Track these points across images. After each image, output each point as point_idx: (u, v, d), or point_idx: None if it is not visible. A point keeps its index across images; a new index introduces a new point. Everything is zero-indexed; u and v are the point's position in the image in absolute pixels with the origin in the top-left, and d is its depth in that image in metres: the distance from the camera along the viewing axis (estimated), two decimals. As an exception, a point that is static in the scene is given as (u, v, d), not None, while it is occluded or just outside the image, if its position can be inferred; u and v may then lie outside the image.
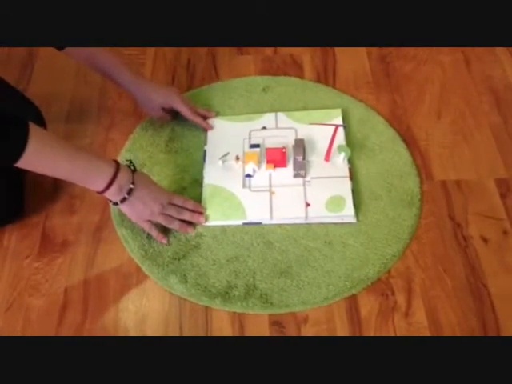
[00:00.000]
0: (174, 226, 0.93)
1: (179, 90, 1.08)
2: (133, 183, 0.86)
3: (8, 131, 0.74)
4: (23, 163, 0.76)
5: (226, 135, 1.06)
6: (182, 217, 0.93)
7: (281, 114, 1.09)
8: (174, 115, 1.08)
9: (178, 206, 0.93)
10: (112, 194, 0.85)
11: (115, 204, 0.88)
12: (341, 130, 1.03)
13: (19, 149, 0.74)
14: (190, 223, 0.95)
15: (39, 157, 0.77)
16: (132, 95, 1.04)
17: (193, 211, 0.95)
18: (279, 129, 1.06)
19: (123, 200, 0.87)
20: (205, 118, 1.09)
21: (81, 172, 0.82)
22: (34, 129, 0.76)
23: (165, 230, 0.94)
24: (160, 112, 1.05)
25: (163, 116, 1.06)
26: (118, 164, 0.86)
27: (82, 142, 1.08)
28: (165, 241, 0.93)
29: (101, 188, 0.84)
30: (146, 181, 0.90)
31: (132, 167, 0.89)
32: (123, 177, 0.85)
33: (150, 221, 0.91)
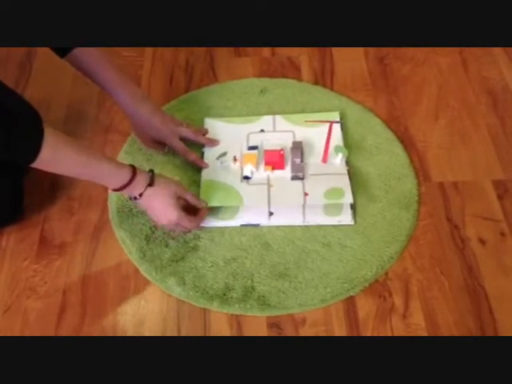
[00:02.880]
0: (177, 233, 0.95)
1: (176, 122, 1.02)
2: (140, 195, 0.86)
3: (24, 134, 0.75)
4: (37, 165, 0.77)
5: (224, 137, 1.06)
6: (189, 230, 0.94)
7: (279, 117, 1.09)
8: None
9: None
10: (124, 194, 0.88)
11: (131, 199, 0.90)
12: (338, 132, 1.04)
13: (34, 152, 0.75)
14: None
15: (53, 159, 0.78)
16: (127, 119, 1.02)
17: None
18: (277, 132, 1.06)
19: (135, 199, 0.88)
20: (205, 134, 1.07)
21: (93, 175, 0.84)
22: (48, 132, 0.76)
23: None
24: (151, 144, 1.03)
25: (156, 147, 1.04)
26: (134, 173, 0.85)
27: (80, 144, 1.08)
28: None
29: (113, 188, 0.86)
30: (155, 198, 0.88)
31: (150, 179, 0.87)
32: (135, 187, 0.86)
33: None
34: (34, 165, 0.77)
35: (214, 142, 1.05)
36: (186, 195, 0.92)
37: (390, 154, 1.04)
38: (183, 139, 1.02)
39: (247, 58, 1.23)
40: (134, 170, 0.86)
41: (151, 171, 0.88)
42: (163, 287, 0.90)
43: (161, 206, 0.88)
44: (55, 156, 0.78)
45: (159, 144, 1.03)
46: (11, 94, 0.90)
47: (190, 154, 1.02)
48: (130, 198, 0.89)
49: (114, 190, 0.86)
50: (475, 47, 1.21)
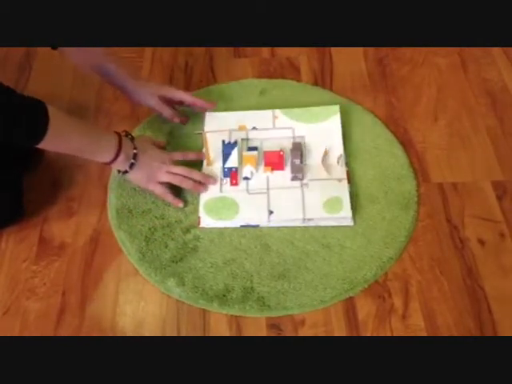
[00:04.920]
0: (187, 184, 0.96)
1: None
2: (135, 148, 0.92)
3: (31, 116, 0.79)
4: (43, 144, 0.81)
5: (223, 126, 1.06)
6: (191, 176, 0.97)
7: (278, 112, 1.08)
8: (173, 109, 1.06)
9: (183, 170, 0.96)
10: (120, 163, 0.91)
11: (125, 173, 0.93)
12: (338, 127, 1.05)
13: (41, 132, 0.79)
14: (200, 183, 0.98)
15: (58, 138, 0.83)
16: (127, 91, 1.02)
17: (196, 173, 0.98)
18: (276, 129, 1.06)
19: (131, 166, 0.92)
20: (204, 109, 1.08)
21: (93, 146, 0.88)
22: (53, 111, 0.81)
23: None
24: (157, 100, 1.02)
25: (161, 105, 1.03)
26: (119, 135, 0.91)
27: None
28: (181, 204, 0.97)
29: (110, 158, 0.89)
30: (146, 144, 0.96)
31: (129, 136, 0.94)
32: (127, 144, 0.91)
33: (161, 184, 0.95)
34: (43, 143, 0.80)
35: (210, 106, 1.07)
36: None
37: (389, 154, 1.04)
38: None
39: (246, 58, 1.23)
40: (115, 132, 0.92)
41: (124, 131, 0.95)
42: (163, 288, 0.90)
43: (154, 152, 0.95)
44: (60, 130, 0.82)
45: (166, 106, 1.04)
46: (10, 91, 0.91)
47: (194, 98, 1.05)
48: (127, 170, 0.92)
49: (113, 159, 0.89)
50: (474, 48, 1.21)
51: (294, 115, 1.07)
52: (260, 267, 0.91)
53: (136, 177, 0.94)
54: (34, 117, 0.79)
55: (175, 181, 0.96)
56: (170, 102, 1.05)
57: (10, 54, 1.25)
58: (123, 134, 0.93)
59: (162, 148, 1.02)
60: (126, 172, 0.93)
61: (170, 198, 0.96)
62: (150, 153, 0.95)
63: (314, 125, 1.06)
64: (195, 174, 0.98)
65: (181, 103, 1.06)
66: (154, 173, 0.94)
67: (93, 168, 1.04)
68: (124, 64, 1.02)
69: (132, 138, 0.94)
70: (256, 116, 1.08)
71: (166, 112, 1.05)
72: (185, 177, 0.96)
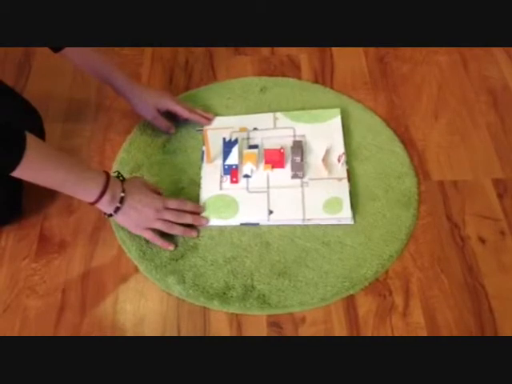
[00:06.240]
0: (176, 231, 0.92)
1: (173, 94, 1.08)
2: (123, 191, 0.87)
3: (6, 142, 0.75)
4: (19, 174, 0.77)
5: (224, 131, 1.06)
6: (183, 220, 0.92)
7: (279, 114, 1.09)
8: (170, 118, 1.07)
9: (176, 210, 0.92)
10: (105, 204, 0.86)
11: (110, 216, 0.88)
12: (339, 128, 1.05)
13: (15, 160, 0.76)
14: (192, 226, 0.94)
15: (34, 168, 0.79)
16: (126, 98, 1.04)
17: (192, 212, 0.94)
18: (277, 129, 1.06)
19: (117, 210, 0.87)
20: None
21: (74, 183, 0.83)
22: (31, 140, 0.77)
23: (168, 236, 0.93)
24: (155, 113, 1.04)
25: (158, 118, 1.05)
26: (108, 174, 0.87)
27: (79, 142, 1.08)
28: (171, 247, 0.92)
29: (94, 198, 0.84)
30: (136, 188, 0.90)
31: (121, 177, 0.90)
32: (114, 185, 0.86)
33: (150, 229, 0.91)
34: (16, 172, 0.77)
35: (206, 121, 1.07)
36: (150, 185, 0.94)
37: (389, 152, 1.04)
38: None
39: (247, 56, 1.23)
40: (104, 171, 0.87)
41: (116, 172, 0.91)
42: (163, 286, 0.90)
43: (147, 199, 0.89)
44: (37, 162, 0.79)
45: (160, 115, 1.05)
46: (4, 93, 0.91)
47: (191, 114, 1.05)
48: (111, 214, 0.88)
49: (97, 199, 0.84)
50: (474, 47, 1.21)
51: (295, 117, 1.08)
52: (260, 265, 0.91)
53: (123, 221, 0.90)
54: (9, 145, 0.75)
55: (164, 228, 0.91)
56: (168, 112, 1.06)
57: (10, 53, 1.25)
58: (114, 173, 0.90)
59: (158, 194, 0.94)
60: (110, 215, 0.88)
61: (159, 242, 0.91)
62: (139, 198, 0.88)
63: (314, 125, 1.06)
64: (187, 218, 0.93)
65: (177, 116, 1.07)
66: (143, 220, 0.89)
67: (93, 165, 1.04)
68: (124, 74, 1.02)
69: (123, 180, 0.90)
70: (257, 119, 1.08)
71: (163, 125, 1.06)
72: (175, 222, 0.92)
